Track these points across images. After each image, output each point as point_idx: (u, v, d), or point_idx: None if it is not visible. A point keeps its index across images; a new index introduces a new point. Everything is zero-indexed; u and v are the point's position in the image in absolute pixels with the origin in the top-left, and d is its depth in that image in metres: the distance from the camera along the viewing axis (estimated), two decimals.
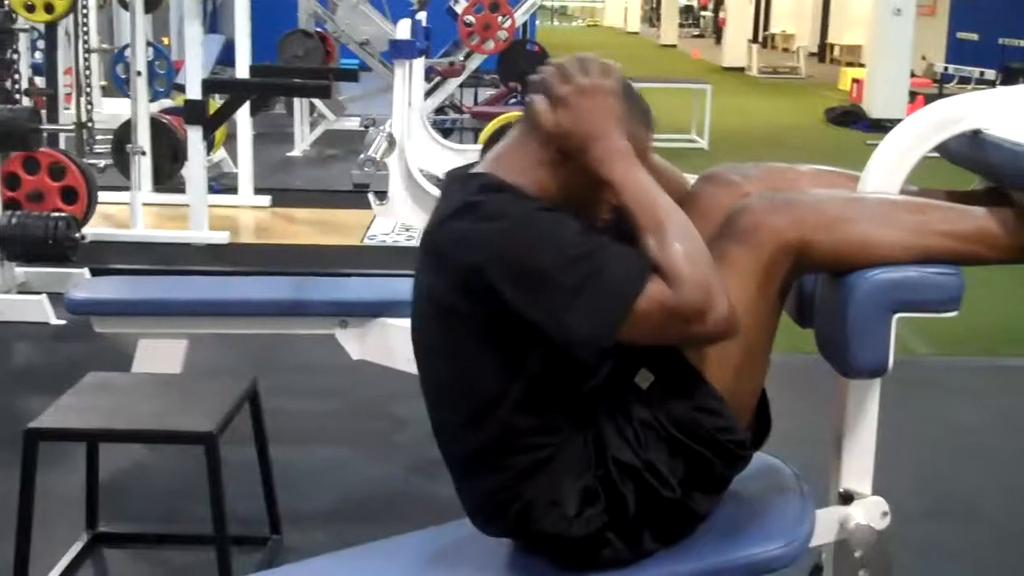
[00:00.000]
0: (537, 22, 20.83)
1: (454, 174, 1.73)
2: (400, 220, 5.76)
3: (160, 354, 3.27)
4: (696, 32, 32.99)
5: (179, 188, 6.40)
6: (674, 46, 26.98)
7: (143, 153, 5.99)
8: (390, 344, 3.13)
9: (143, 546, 2.90)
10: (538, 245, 1.54)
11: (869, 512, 1.82)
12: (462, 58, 8.97)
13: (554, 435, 1.65)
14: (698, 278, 1.53)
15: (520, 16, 8.89)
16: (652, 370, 1.65)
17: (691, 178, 1.97)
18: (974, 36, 16.60)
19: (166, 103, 7.48)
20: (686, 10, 34.29)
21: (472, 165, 1.73)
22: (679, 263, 1.53)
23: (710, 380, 1.64)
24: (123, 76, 7.58)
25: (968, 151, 1.84)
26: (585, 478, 1.64)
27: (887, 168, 1.79)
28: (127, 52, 6.46)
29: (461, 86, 9.51)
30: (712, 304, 1.52)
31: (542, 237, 1.55)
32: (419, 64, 6.37)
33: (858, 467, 1.86)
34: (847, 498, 1.84)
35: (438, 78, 8.91)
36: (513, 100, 9.60)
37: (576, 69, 1.64)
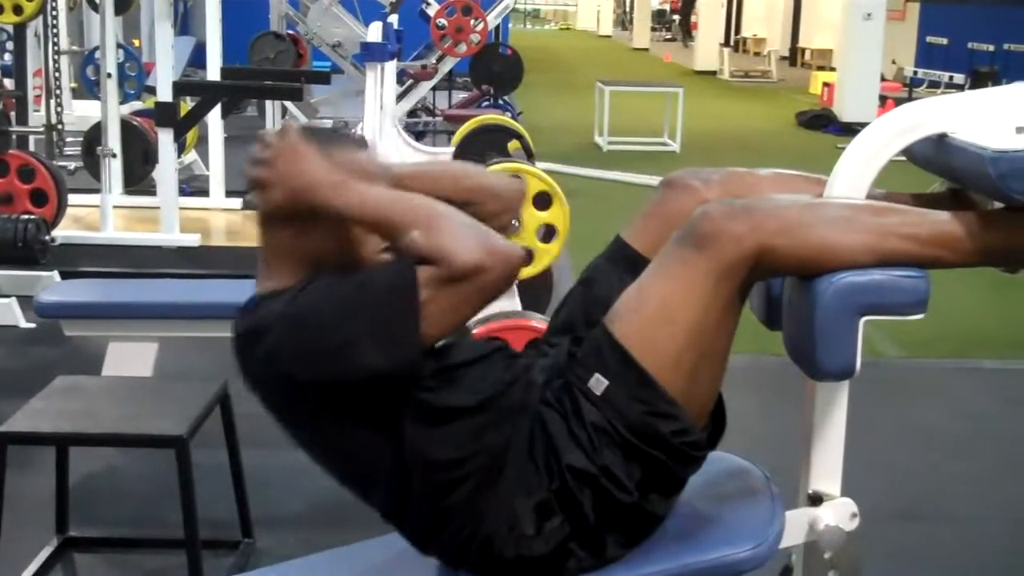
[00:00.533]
0: (510, 25, 20.84)
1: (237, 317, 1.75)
2: None
3: (130, 357, 3.26)
4: (668, 36, 33.09)
5: (150, 191, 6.37)
6: (646, 50, 27.06)
7: (113, 155, 5.95)
8: None
9: (113, 550, 2.88)
10: (307, 329, 1.58)
11: (838, 513, 1.83)
12: (434, 61, 8.97)
13: (481, 459, 1.64)
14: (453, 240, 1.53)
15: (492, 19, 8.90)
16: (605, 375, 1.65)
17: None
18: (943, 40, 16.75)
19: (137, 105, 7.44)
20: (659, 14, 34.39)
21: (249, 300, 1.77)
22: (436, 241, 1.53)
23: (664, 384, 1.64)
24: (93, 78, 7.52)
25: (934, 155, 1.86)
26: (537, 493, 1.64)
27: (854, 172, 1.81)
28: (97, 54, 6.41)
29: (434, 89, 9.51)
30: (488, 253, 1.53)
31: (305, 320, 1.58)
32: (391, 67, 6.37)
33: (827, 469, 1.87)
34: (816, 500, 1.85)
35: (410, 81, 8.90)
36: (486, 103, 9.61)
37: (260, 150, 1.66)
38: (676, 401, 1.64)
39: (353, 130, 5.64)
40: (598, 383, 1.65)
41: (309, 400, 1.64)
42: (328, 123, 9.61)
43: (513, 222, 3.43)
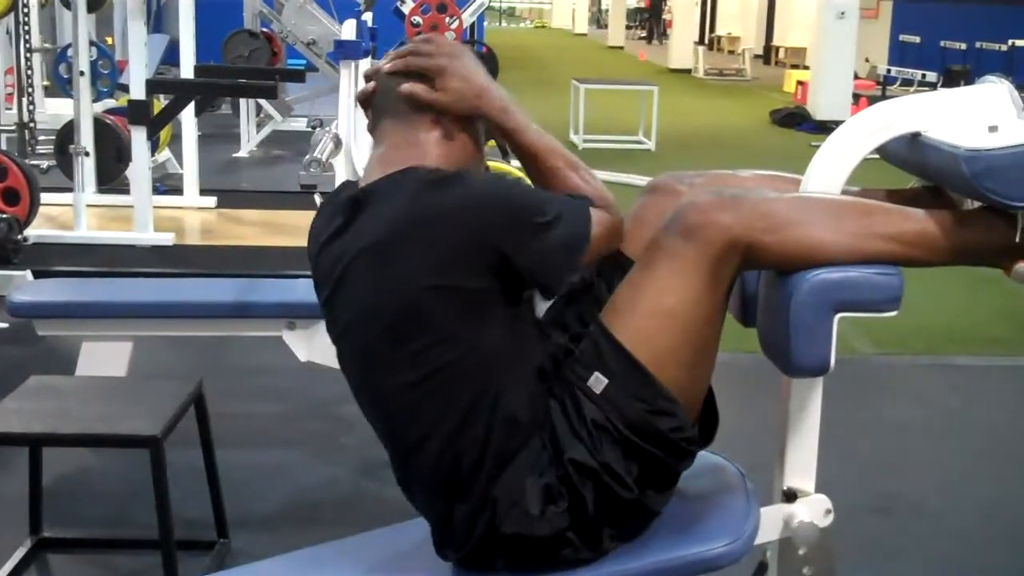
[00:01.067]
0: (485, 23, 20.84)
1: (347, 187, 1.77)
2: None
3: (104, 357, 3.24)
4: (643, 34, 33.16)
5: (123, 189, 6.33)
6: (621, 48, 27.12)
7: (86, 154, 5.91)
8: None
9: (88, 551, 2.86)
10: (518, 197, 1.67)
11: (813, 510, 1.84)
12: None
13: (516, 428, 1.65)
14: (611, 200, 1.75)
15: (468, 17, 8.91)
16: (605, 374, 1.66)
17: (639, 180, 1.99)
18: (916, 39, 16.87)
19: (110, 103, 7.40)
20: (634, 13, 34.48)
21: (350, 183, 1.78)
22: (600, 187, 1.75)
23: (662, 379, 1.65)
24: (66, 76, 7.48)
25: (907, 153, 1.87)
26: (547, 476, 1.65)
27: (829, 169, 1.82)
28: (70, 52, 6.38)
29: None
30: (621, 220, 1.77)
31: (515, 192, 1.68)
32: (365, 65, 6.35)
33: (802, 465, 1.88)
34: (791, 496, 1.86)
35: None
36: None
37: (437, 42, 1.74)
38: (674, 397, 1.66)
39: (327, 128, 5.63)
40: (598, 382, 1.66)
41: (459, 272, 1.61)
42: (302, 121, 9.59)
43: None
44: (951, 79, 13.34)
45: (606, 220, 1.71)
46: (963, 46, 15.93)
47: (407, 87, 1.71)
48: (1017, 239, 1.76)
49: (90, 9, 6.81)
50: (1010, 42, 15.41)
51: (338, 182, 5.45)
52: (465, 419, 1.63)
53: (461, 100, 1.71)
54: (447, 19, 8.46)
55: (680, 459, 1.71)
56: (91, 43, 6.58)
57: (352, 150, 5.38)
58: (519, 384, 1.66)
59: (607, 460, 1.64)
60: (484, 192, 1.64)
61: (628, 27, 30.39)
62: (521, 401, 1.66)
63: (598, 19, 39.60)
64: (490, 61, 10.06)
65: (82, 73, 5.92)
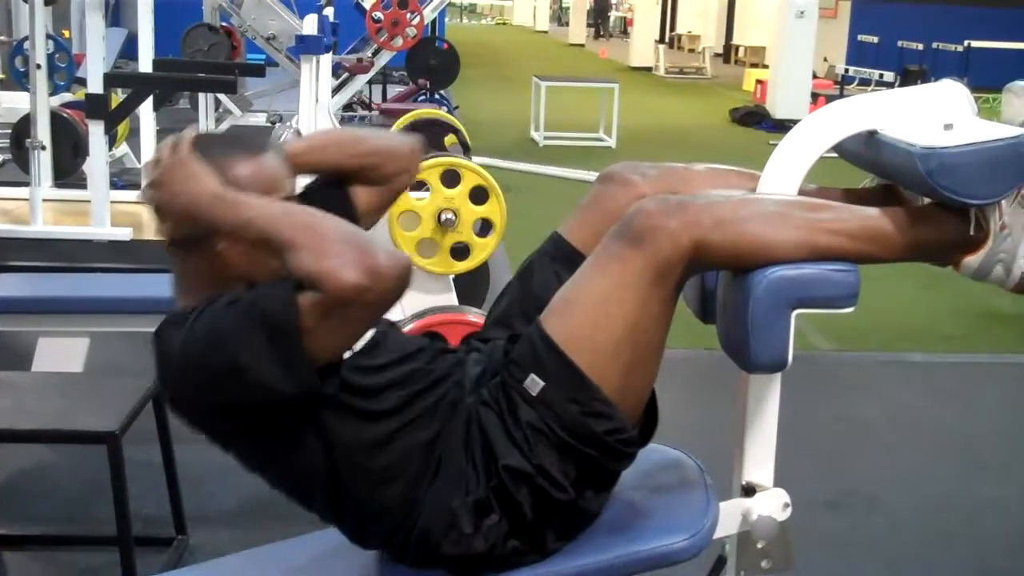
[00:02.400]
0: (447, 19, 20.80)
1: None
2: None
3: (61, 352, 3.21)
4: (603, 32, 33.24)
5: (80, 184, 6.27)
6: (582, 45, 27.16)
7: (43, 148, 5.84)
8: None
9: (44, 548, 2.84)
10: (201, 355, 1.54)
11: (771, 504, 1.86)
12: (370, 54, 8.92)
13: (412, 460, 1.65)
14: (338, 265, 1.45)
15: (429, 13, 8.86)
16: (541, 376, 1.65)
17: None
18: (874, 39, 17.01)
19: (67, 97, 7.32)
20: (595, 11, 34.51)
21: None
22: (311, 265, 1.47)
23: (599, 382, 1.65)
24: (22, 69, 7.40)
25: (864, 151, 1.89)
26: (475, 492, 1.64)
27: (786, 167, 1.83)
28: (26, 44, 6.30)
29: (369, 83, 9.46)
30: (368, 273, 1.45)
31: (197, 347, 1.54)
32: (326, 60, 6.33)
33: (760, 460, 1.90)
34: (749, 490, 1.88)
35: (346, 74, 8.85)
36: (422, 97, 9.58)
37: (151, 169, 1.64)
38: (611, 400, 1.65)
39: (288, 124, 5.60)
40: (534, 383, 1.65)
41: (227, 421, 1.62)
42: (262, 116, 9.54)
43: (448, 216, 3.44)
44: (908, 79, 13.45)
45: (316, 302, 1.47)
46: (920, 46, 16.08)
47: (155, 234, 1.67)
48: (971, 232, 1.78)
49: (47, 2, 6.73)
50: (966, 43, 15.60)
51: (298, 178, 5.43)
52: (337, 492, 1.66)
53: (181, 229, 1.62)
54: (408, 15, 8.42)
55: (617, 460, 1.71)
56: (48, 36, 6.50)
57: None
58: (380, 440, 1.64)
59: (543, 463, 1.64)
60: (179, 364, 1.56)
61: (589, 25, 30.43)
62: (409, 447, 1.65)
63: (559, 17, 39.65)
64: (451, 58, 10.02)
65: (39, 66, 5.85)
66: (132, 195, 6.47)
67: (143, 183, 1.66)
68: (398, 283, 1.50)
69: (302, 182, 1.85)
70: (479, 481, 1.65)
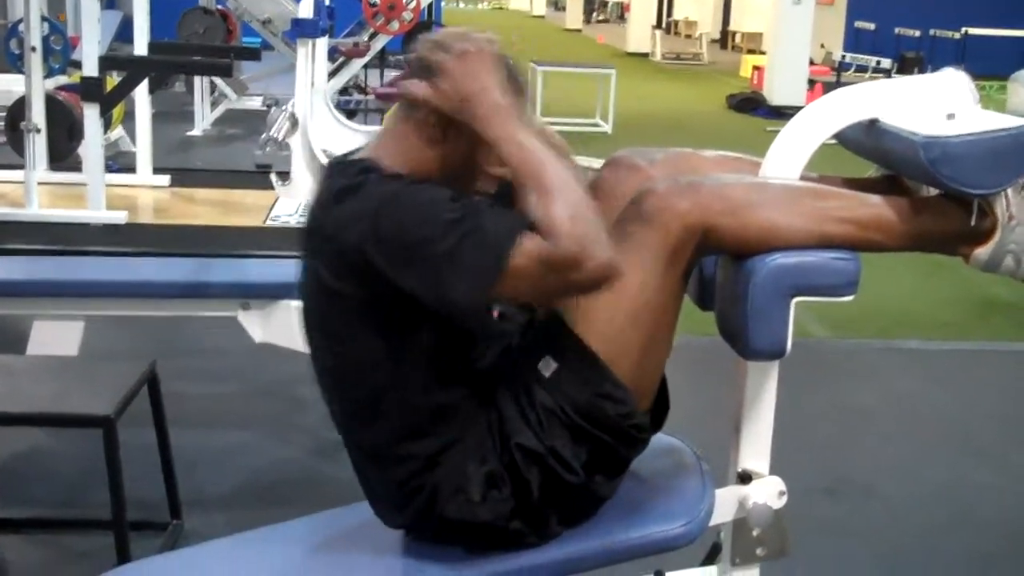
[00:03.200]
0: (443, 4, 20.75)
1: (335, 161, 1.73)
2: (303, 201, 5.70)
3: (56, 336, 3.20)
4: (601, 17, 33.20)
5: (75, 167, 6.25)
6: (579, 31, 27.11)
7: (38, 131, 5.82)
8: (293, 326, 3.10)
9: (40, 532, 2.83)
10: (411, 216, 1.54)
11: (767, 491, 1.86)
12: (366, 39, 8.88)
13: (454, 418, 1.66)
14: (575, 229, 1.51)
15: None
16: (555, 358, 1.66)
17: (596, 163, 1.99)
18: (871, 25, 17.01)
19: (62, 80, 7.29)
20: None
21: (353, 152, 1.73)
22: (556, 216, 1.52)
23: (613, 366, 1.65)
24: (17, 52, 7.35)
25: (865, 140, 1.88)
26: (490, 463, 1.65)
27: (788, 155, 1.83)
28: (21, 27, 6.27)
29: (365, 67, 9.42)
30: (588, 253, 1.51)
31: (415, 209, 1.55)
32: (322, 44, 6.31)
33: (756, 447, 1.90)
34: (746, 478, 1.88)
35: (342, 58, 8.81)
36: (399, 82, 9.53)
37: (452, 39, 1.65)
38: (623, 383, 1.66)
39: (284, 108, 5.58)
40: (547, 365, 1.66)
41: (359, 282, 1.59)
42: (258, 100, 9.51)
43: None
44: (905, 66, 13.47)
45: (538, 251, 1.52)
46: (917, 33, 16.08)
47: (405, 82, 1.66)
48: (972, 223, 1.78)
49: None
50: (963, 30, 15.59)
51: (294, 161, 5.42)
52: (380, 411, 1.66)
53: (444, 100, 1.63)
54: None
55: (629, 446, 1.71)
56: (43, 18, 6.47)
57: (308, 129, 5.35)
58: (442, 383, 1.66)
59: (554, 445, 1.64)
60: (376, 208, 1.56)
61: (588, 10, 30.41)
62: (449, 396, 1.66)
63: (556, 1, 39.57)
64: None
65: (34, 49, 5.83)
66: (127, 178, 6.47)
67: (431, 43, 1.65)
68: (602, 275, 1.54)
69: None
70: (495, 454, 1.65)
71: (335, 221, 1.59)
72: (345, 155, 1.72)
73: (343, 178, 1.62)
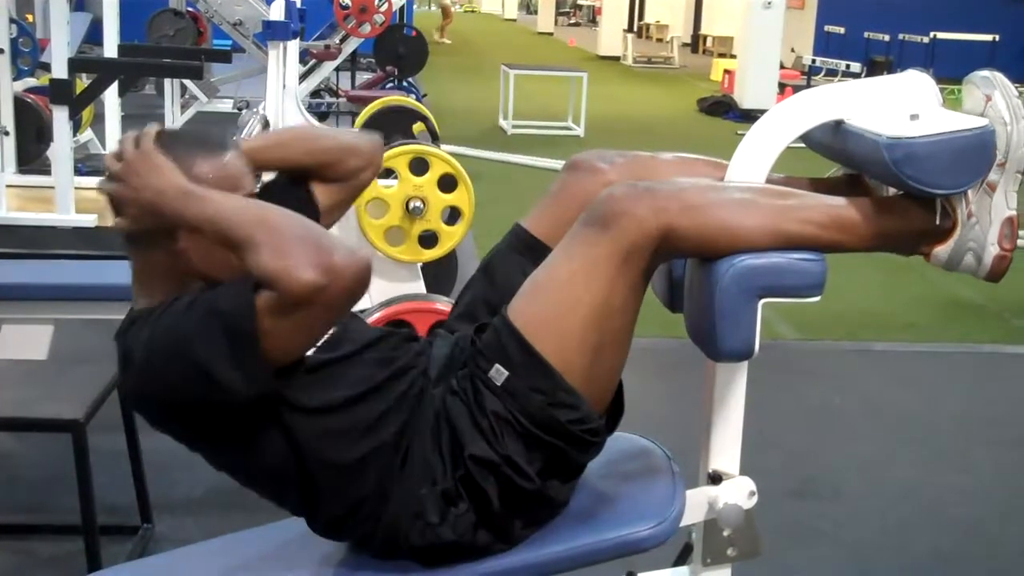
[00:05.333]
0: (415, 6, 20.73)
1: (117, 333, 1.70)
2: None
3: (24, 340, 3.17)
4: (573, 20, 33.26)
5: (44, 170, 6.21)
6: (551, 34, 27.15)
7: (6, 133, 5.79)
8: None
9: (7, 537, 2.82)
10: (161, 347, 1.53)
11: (737, 492, 1.87)
12: (338, 41, 8.87)
13: (391, 453, 1.65)
14: (294, 263, 1.44)
15: (397, 0, 8.83)
16: (506, 366, 1.65)
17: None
18: (840, 29, 17.12)
19: (31, 82, 7.25)
20: None
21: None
22: (265, 264, 1.46)
23: (565, 372, 1.64)
24: None
25: (831, 141, 1.90)
26: (441, 482, 1.64)
27: (754, 157, 1.84)
28: None
29: (337, 70, 9.41)
30: (321, 270, 1.44)
31: (163, 338, 1.53)
32: (293, 46, 6.29)
33: (727, 448, 1.90)
34: (716, 479, 1.88)
35: (313, 61, 8.80)
36: (390, 84, 9.54)
37: (112, 163, 1.62)
38: (575, 390, 1.65)
39: (255, 110, 5.57)
40: (499, 373, 1.65)
41: (189, 424, 1.62)
42: (228, 103, 9.48)
43: (416, 204, 3.44)
44: (874, 70, 13.55)
45: (274, 303, 1.46)
46: (886, 37, 16.20)
47: (113, 225, 1.64)
48: (937, 221, 1.80)
49: None
50: (932, 34, 15.72)
51: None
52: (307, 490, 1.66)
53: (140, 220, 1.59)
54: (376, 2, 8.38)
55: (583, 450, 1.70)
56: (11, 20, 6.43)
57: None
58: (334, 434, 1.63)
59: (508, 452, 1.63)
60: (139, 361, 1.55)
61: (560, 13, 30.45)
62: (377, 437, 1.65)
63: (527, 5, 39.62)
64: (419, 45, 10.00)
65: (2, 51, 5.79)
66: (97, 181, 6.43)
67: (104, 176, 1.63)
68: (355, 282, 1.49)
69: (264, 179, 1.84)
70: (446, 471, 1.65)
71: (131, 396, 1.64)
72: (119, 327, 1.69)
73: (118, 351, 1.61)
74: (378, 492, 1.65)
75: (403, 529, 1.64)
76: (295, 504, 1.72)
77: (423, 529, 1.64)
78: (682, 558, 1.99)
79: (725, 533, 1.86)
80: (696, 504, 1.86)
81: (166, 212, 1.57)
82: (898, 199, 1.83)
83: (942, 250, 1.81)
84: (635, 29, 25.15)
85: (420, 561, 1.68)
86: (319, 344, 1.64)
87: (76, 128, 6.35)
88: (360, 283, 1.49)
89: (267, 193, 1.77)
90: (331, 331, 1.66)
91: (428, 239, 3.51)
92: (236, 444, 1.63)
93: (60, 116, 5.44)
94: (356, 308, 1.80)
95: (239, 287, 1.51)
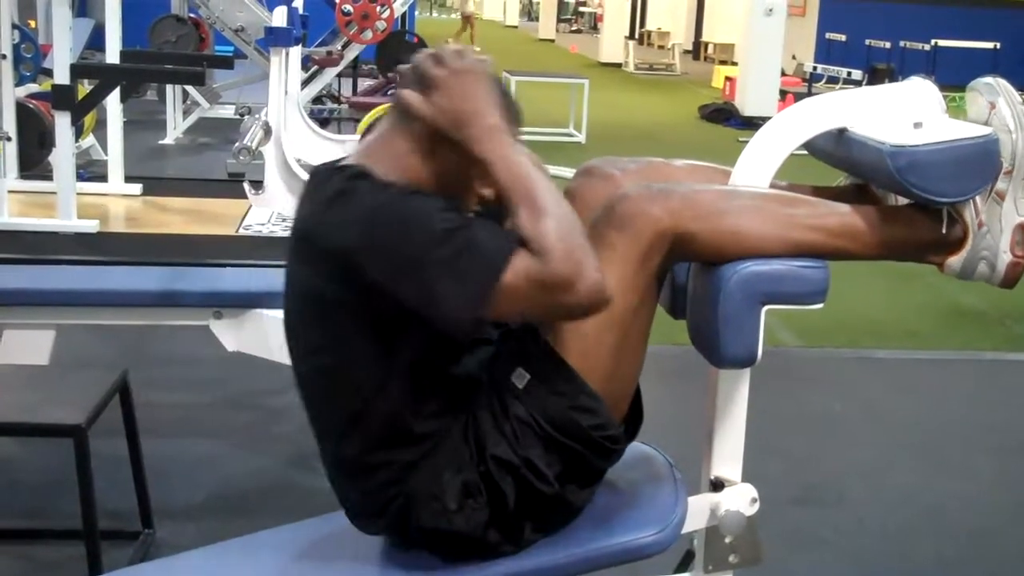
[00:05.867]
0: (416, 13, 20.75)
1: (321, 167, 1.72)
2: (276, 210, 5.69)
3: (26, 345, 3.18)
4: (574, 27, 33.31)
5: (46, 175, 6.22)
6: (552, 40, 27.18)
7: (8, 139, 5.79)
8: (266, 335, 3.10)
9: (9, 542, 2.81)
10: (405, 226, 1.54)
11: (739, 499, 1.87)
12: (340, 48, 8.89)
13: (433, 427, 1.66)
14: (567, 250, 1.52)
15: (399, 6, 8.85)
16: (528, 369, 1.66)
17: (569, 172, 2.00)
18: (842, 37, 17.15)
19: (33, 88, 7.25)
20: (565, 5, 34.61)
21: (340, 159, 1.73)
22: (548, 235, 1.53)
23: (586, 376, 1.66)
24: None
25: (834, 149, 1.90)
26: (465, 472, 1.65)
27: (757, 163, 1.84)
28: None
29: (339, 76, 9.43)
30: (581, 275, 1.52)
31: (409, 218, 1.55)
32: (295, 52, 6.30)
33: (728, 455, 1.90)
34: (718, 485, 1.88)
35: (315, 67, 8.82)
36: (392, 91, 9.55)
37: (450, 55, 1.65)
38: (596, 394, 1.66)
39: (257, 116, 5.57)
40: (521, 377, 1.66)
41: (344, 287, 1.58)
42: (230, 109, 9.49)
43: None
44: (876, 77, 13.56)
45: (530, 270, 1.52)
46: (888, 45, 16.23)
47: (402, 92, 1.66)
48: (943, 231, 1.80)
49: None
50: (933, 42, 15.75)
51: (267, 170, 5.41)
52: (361, 419, 1.65)
53: (440, 116, 1.62)
54: (378, 8, 8.40)
55: (603, 456, 1.71)
56: (14, 26, 6.44)
57: (281, 138, 5.34)
58: (423, 392, 1.65)
59: (529, 455, 1.64)
60: (371, 215, 1.55)
61: (561, 20, 30.49)
62: (429, 405, 1.66)
63: (529, 11, 39.67)
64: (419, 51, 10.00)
65: (4, 56, 5.80)
66: (99, 187, 6.44)
67: (434, 59, 1.65)
68: (595, 307, 1.55)
69: None
70: (472, 463, 1.66)
71: (326, 226, 1.58)
72: (333, 162, 1.71)
73: (333, 183, 1.61)
74: (409, 463, 1.65)
75: (417, 507, 1.65)
76: (334, 418, 1.69)
77: (437, 512, 1.64)
78: (684, 565, 1.99)
79: (727, 540, 1.86)
80: (698, 511, 1.86)
81: (471, 132, 1.61)
82: (905, 208, 1.83)
83: (955, 260, 1.81)
84: (636, 36, 25.17)
85: (423, 544, 1.69)
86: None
87: (78, 134, 6.34)
88: (596, 309, 1.56)
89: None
90: None
91: None
92: (348, 335, 1.62)
93: (62, 122, 5.44)
94: None
95: (507, 235, 1.55)
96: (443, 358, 1.67)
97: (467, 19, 25.01)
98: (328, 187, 1.61)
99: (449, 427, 1.67)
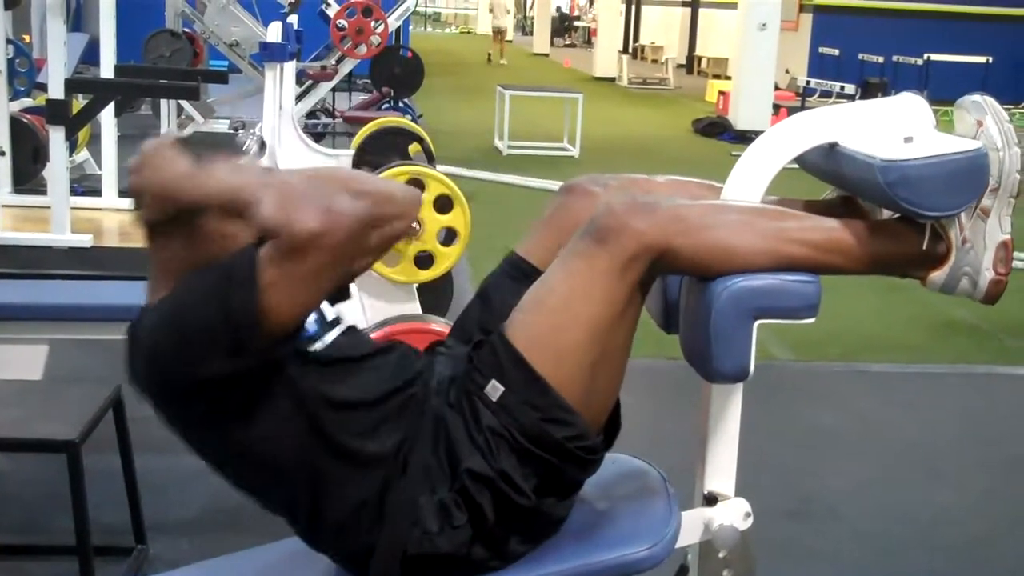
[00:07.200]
0: (411, 28, 20.79)
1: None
2: None
3: (19, 360, 3.18)
4: (568, 42, 33.39)
5: (40, 190, 6.21)
6: (546, 55, 27.23)
7: (2, 153, 5.80)
8: None
9: (2, 558, 2.81)
10: (167, 328, 1.54)
11: (732, 513, 1.87)
12: (334, 62, 8.90)
13: (387, 440, 1.65)
14: (295, 210, 1.47)
15: (393, 21, 8.87)
16: (501, 381, 1.65)
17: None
18: (835, 51, 17.21)
19: (27, 102, 7.26)
20: (560, 20, 34.68)
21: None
22: (269, 212, 1.48)
23: (562, 388, 1.65)
24: None
25: (825, 163, 1.91)
26: (440, 491, 1.64)
27: (749, 178, 1.85)
28: None
29: (333, 90, 9.44)
30: (322, 213, 1.46)
31: (166, 320, 1.55)
32: (290, 67, 6.31)
33: (722, 469, 1.91)
34: (711, 500, 1.88)
35: (310, 82, 8.83)
36: (386, 105, 9.57)
37: (133, 162, 1.64)
38: (571, 407, 1.65)
39: (251, 131, 5.58)
40: (494, 389, 1.65)
41: (199, 402, 1.60)
42: (225, 123, 9.49)
43: (413, 225, 3.43)
44: (869, 91, 13.60)
45: (273, 253, 1.48)
46: (880, 59, 16.28)
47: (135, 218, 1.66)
48: (924, 246, 1.81)
49: (7, 6, 6.67)
50: (926, 56, 15.80)
51: None
52: (318, 493, 1.65)
53: (158, 208, 1.60)
54: (372, 23, 8.41)
55: (579, 468, 1.70)
56: (8, 40, 6.44)
57: (276, 152, 5.35)
58: (346, 419, 1.63)
59: (504, 467, 1.63)
60: (151, 342, 1.56)
61: (555, 35, 30.57)
62: (360, 424, 1.64)
63: (523, 26, 39.76)
64: (415, 66, 10.03)
65: None
66: (92, 201, 6.43)
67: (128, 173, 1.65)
68: (361, 221, 1.50)
69: None
70: (445, 482, 1.65)
71: (139, 383, 1.60)
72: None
73: (129, 336, 1.61)
74: (375, 501, 1.63)
75: (400, 538, 1.63)
76: (289, 505, 1.69)
77: (420, 538, 1.63)
78: None
79: (721, 554, 1.86)
80: (691, 525, 1.86)
81: (176, 194, 1.58)
82: (892, 222, 1.84)
83: (938, 275, 1.82)
84: (630, 50, 25.24)
85: (412, 572, 1.66)
86: (328, 343, 1.66)
87: (72, 148, 6.35)
88: (372, 220, 1.51)
89: None
90: (339, 332, 1.68)
91: (424, 260, 3.52)
92: (239, 425, 1.61)
93: (56, 136, 5.44)
94: (355, 324, 1.81)
95: (244, 248, 1.53)
96: (336, 383, 1.64)
97: (497, 33, 25.14)
98: (127, 348, 1.62)
99: (411, 453, 1.65)
